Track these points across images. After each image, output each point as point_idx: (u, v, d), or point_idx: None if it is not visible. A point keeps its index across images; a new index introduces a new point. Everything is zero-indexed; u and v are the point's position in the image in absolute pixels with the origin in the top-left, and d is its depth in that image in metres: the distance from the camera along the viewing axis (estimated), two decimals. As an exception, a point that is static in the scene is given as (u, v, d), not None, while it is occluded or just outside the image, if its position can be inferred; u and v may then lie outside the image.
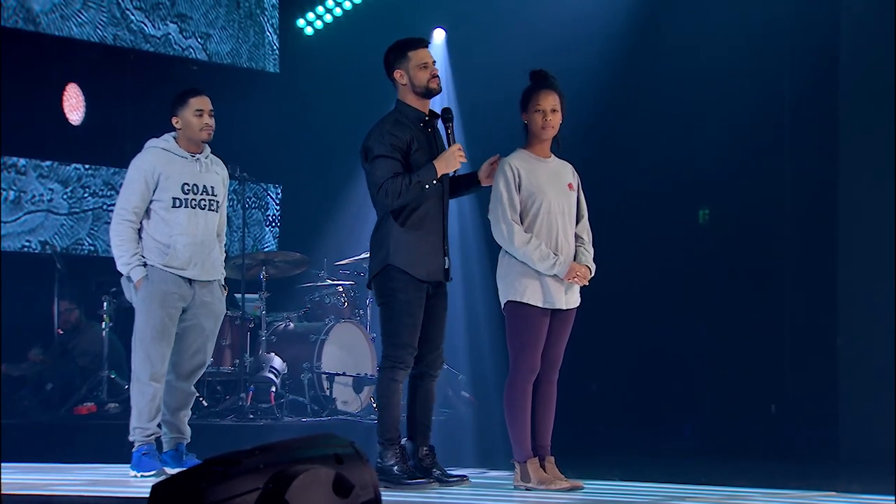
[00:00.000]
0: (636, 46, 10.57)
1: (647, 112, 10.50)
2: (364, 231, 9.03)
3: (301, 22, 12.38)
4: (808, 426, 9.62)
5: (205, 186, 6.81)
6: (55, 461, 7.63)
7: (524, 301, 6.23)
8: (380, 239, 6.34)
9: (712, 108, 10.13)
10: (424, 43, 6.47)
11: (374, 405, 7.89)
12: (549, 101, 6.30)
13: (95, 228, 11.22)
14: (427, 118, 6.43)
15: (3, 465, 6.29)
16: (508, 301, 6.28)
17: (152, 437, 6.76)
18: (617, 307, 10.39)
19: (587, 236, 6.43)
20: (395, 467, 6.22)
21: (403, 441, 6.34)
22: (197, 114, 6.79)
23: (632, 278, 10.38)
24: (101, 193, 11.27)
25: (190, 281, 6.76)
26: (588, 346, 9.35)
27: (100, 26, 11.23)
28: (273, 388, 9.24)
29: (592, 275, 6.35)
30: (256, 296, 9.60)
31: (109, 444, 7.83)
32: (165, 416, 6.81)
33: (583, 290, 6.39)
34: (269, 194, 12.30)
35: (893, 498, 6.02)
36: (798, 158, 9.91)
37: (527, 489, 6.24)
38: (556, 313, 6.29)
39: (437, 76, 6.40)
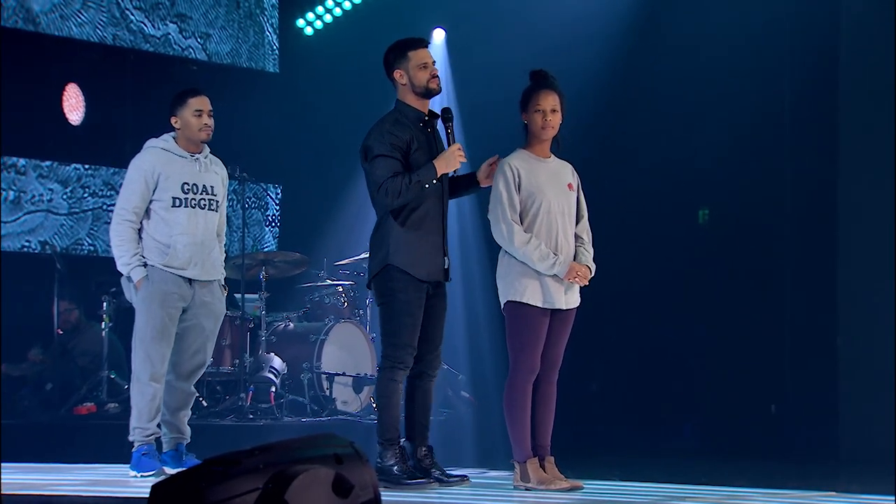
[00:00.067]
0: (636, 46, 10.57)
1: (647, 112, 10.50)
2: (364, 231, 9.03)
3: (301, 22, 12.38)
4: (808, 426, 9.62)
5: (204, 186, 6.81)
6: (55, 461, 7.63)
7: (524, 301, 6.22)
8: (379, 239, 6.34)
9: (712, 108, 10.13)
10: (424, 43, 6.47)
11: (374, 405, 7.88)
12: (549, 102, 6.30)
13: (95, 228, 11.22)
14: (427, 118, 6.43)
15: (3, 465, 6.30)
16: (508, 301, 6.28)
17: (152, 437, 6.76)
18: (617, 307, 10.38)
19: (587, 236, 6.43)
20: (395, 467, 6.22)
21: (402, 441, 6.34)
22: (196, 114, 6.79)
23: (632, 278, 10.38)
24: (100, 193, 11.27)
25: (190, 281, 6.76)
26: (588, 346, 9.35)
27: (99, 26, 11.23)
28: (273, 389, 9.24)
29: (592, 275, 6.35)
30: (256, 296, 9.60)
31: (109, 445, 7.83)
32: (165, 417, 6.81)
33: (583, 290, 6.39)
34: (268, 194, 12.30)
35: (893, 498, 6.02)
36: (798, 158, 9.91)
37: (526, 489, 6.24)
38: (555, 313, 6.29)
39: (437, 76, 6.40)
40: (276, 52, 12.41)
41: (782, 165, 10.01)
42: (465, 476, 6.45)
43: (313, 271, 10.24)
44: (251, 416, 8.96)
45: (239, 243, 10.22)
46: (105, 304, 9.44)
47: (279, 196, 12.42)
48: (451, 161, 6.30)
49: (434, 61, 6.46)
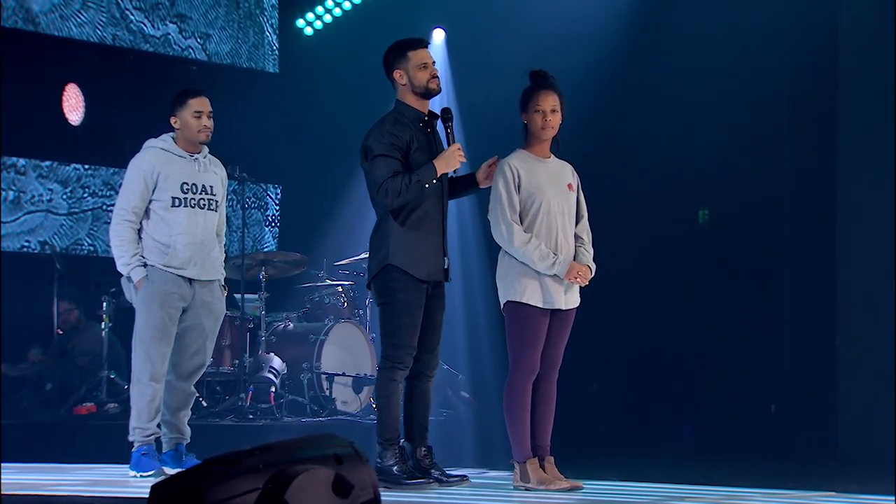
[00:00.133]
0: (636, 46, 10.57)
1: (647, 112, 10.50)
2: (364, 231, 9.04)
3: (301, 22, 12.39)
4: (807, 426, 9.62)
5: (203, 186, 6.81)
6: (55, 461, 7.62)
7: (524, 301, 6.22)
8: (379, 239, 6.34)
9: (712, 108, 10.13)
10: (424, 43, 6.47)
11: (374, 405, 7.88)
12: (549, 102, 6.30)
13: (95, 228, 11.22)
14: (426, 118, 6.43)
15: (2, 465, 6.30)
16: (508, 301, 6.28)
17: (152, 437, 6.76)
18: (617, 307, 10.39)
19: (587, 236, 6.43)
20: (395, 467, 6.22)
21: (402, 441, 6.34)
22: (196, 115, 6.79)
23: (632, 278, 10.38)
24: (100, 193, 11.27)
25: (190, 281, 6.76)
26: (588, 346, 9.35)
27: (99, 26, 11.23)
28: (272, 389, 9.24)
29: (593, 275, 6.35)
30: (256, 296, 9.60)
31: (109, 445, 7.83)
32: (165, 417, 6.81)
33: (583, 290, 6.38)
34: (268, 194, 12.30)
35: (893, 498, 6.02)
36: (797, 158, 9.91)
37: (526, 489, 6.24)
38: (555, 313, 6.29)
39: (437, 76, 6.40)
40: (276, 52, 12.41)
41: (782, 165, 10.01)
42: (465, 476, 6.45)
43: (313, 271, 10.24)
44: (251, 417, 8.96)
45: (239, 243, 10.22)
46: (105, 304, 9.44)
47: (279, 196, 12.42)
48: (451, 161, 6.30)
49: (434, 61, 6.46)
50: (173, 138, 6.84)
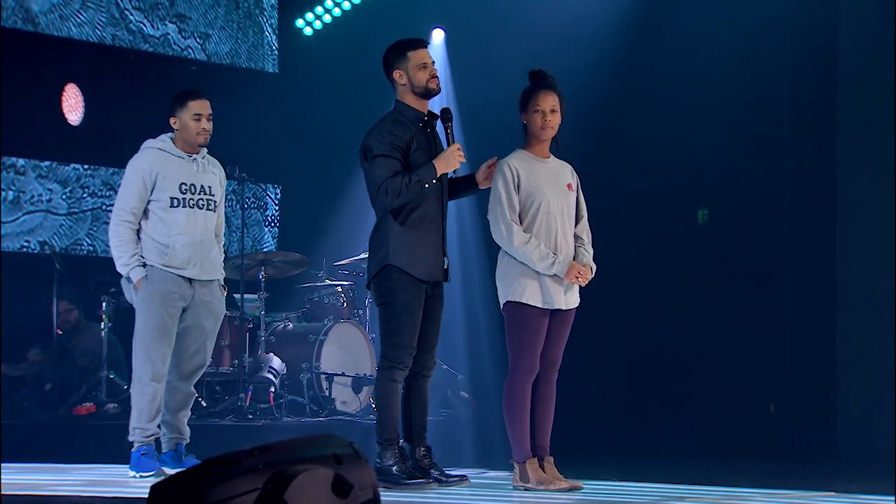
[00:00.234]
0: (636, 46, 10.57)
1: (647, 112, 10.50)
2: (363, 231, 9.03)
3: (300, 22, 12.38)
4: (807, 426, 9.62)
5: (202, 186, 6.81)
6: (54, 461, 7.62)
7: (523, 301, 6.22)
8: (379, 239, 6.34)
9: (712, 108, 10.13)
10: (423, 43, 6.47)
11: (373, 405, 7.88)
12: (549, 102, 6.29)
13: (94, 229, 11.22)
14: (426, 118, 6.42)
15: (2, 465, 6.29)
16: (508, 301, 6.28)
17: (152, 437, 6.76)
18: (617, 307, 10.38)
19: (586, 236, 6.43)
20: (394, 467, 6.22)
21: (402, 441, 6.34)
22: (195, 118, 6.78)
23: (632, 278, 10.38)
24: (100, 194, 11.27)
25: (190, 280, 6.76)
26: (588, 346, 9.35)
27: (99, 26, 11.22)
28: (272, 389, 9.24)
29: (593, 275, 6.34)
30: (255, 296, 9.60)
31: (108, 445, 7.83)
32: (165, 417, 6.81)
33: (583, 290, 6.38)
34: (268, 194, 12.30)
35: (893, 498, 6.02)
36: (797, 158, 9.91)
37: (526, 489, 6.23)
38: (555, 313, 6.29)
39: (437, 76, 6.40)
40: (276, 52, 12.41)
41: (782, 165, 10.01)
42: (465, 476, 6.45)
43: (312, 271, 10.24)
44: (250, 417, 8.96)
45: (238, 243, 10.22)
46: (104, 304, 9.44)
47: (278, 196, 12.42)
48: (451, 161, 6.29)
49: (433, 61, 6.46)
50: (172, 139, 6.84)
